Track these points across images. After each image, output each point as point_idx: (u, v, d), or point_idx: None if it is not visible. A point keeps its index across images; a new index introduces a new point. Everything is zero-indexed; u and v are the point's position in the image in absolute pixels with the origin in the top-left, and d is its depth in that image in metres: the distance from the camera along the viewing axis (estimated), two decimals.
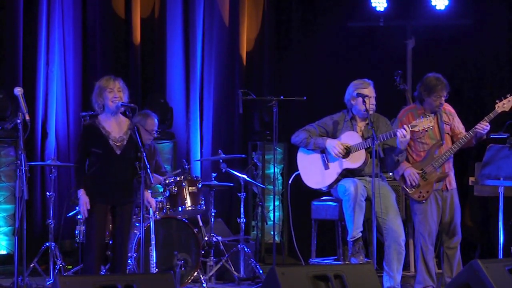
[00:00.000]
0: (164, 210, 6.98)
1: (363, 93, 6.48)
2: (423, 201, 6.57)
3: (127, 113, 5.91)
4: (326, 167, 6.70)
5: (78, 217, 6.98)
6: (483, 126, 6.44)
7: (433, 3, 8.87)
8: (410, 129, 6.37)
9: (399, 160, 6.51)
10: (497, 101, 6.47)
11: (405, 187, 6.61)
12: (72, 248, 7.83)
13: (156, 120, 7.28)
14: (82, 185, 5.87)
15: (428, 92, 6.58)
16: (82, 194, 5.85)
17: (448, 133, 6.69)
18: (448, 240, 6.66)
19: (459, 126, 6.73)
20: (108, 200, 5.90)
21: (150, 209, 6.36)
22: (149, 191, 6.24)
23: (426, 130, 6.47)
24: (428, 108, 6.63)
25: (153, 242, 6.42)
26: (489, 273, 4.67)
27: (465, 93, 8.62)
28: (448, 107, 6.76)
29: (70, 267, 7.24)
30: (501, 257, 6.27)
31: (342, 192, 6.53)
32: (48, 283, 6.91)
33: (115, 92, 5.89)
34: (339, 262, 6.99)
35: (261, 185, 8.20)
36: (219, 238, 7.39)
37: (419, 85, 6.67)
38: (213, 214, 7.32)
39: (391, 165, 6.63)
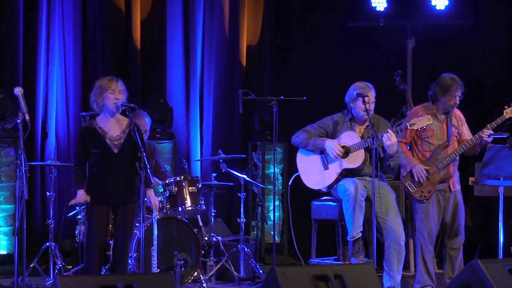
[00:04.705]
0: (164, 210, 6.98)
1: (363, 94, 6.48)
2: (424, 200, 6.57)
3: (127, 112, 5.90)
4: (326, 167, 6.70)
5: (78, 217, 6.99)
6: (487, 134, 6.44)
7: (433, 3, 8.88)
8: (409, 128, 6.37)
9: (391, 165, 6.50)
10: (505, 107, 6.44)
11: (407, 186, 6.61)
12: (72, 248, 7.82)
13: (146, 119, 7.20)
14: (83, 186, 5.84)
15: (443, 91, 6.58)
16: (81, 192, 5.82)
17: (455, 136, 6.68)
18: (451, 241, 6.65)
19: (467, 133, 6.72)
20: (109, 201, 5.88)
21: (153, 208, 6.33)
22: (151, 189, 6.22)
23: (425, 129, 6.46)
24: (441, 107, 6.63)
25: (155, 242, 6.41)
26: (489, 273, 4.66)
27: (465, 94, 8.61)
28: (458, 113, 6.76)
29: (70, 267, 7.24)
30: (501, 257, 6.27)
31: (342, 192, 6.52)
32: (48, 283, 6.90)
33: (116, 93, 5.88)
34: (339, 262, 6.98)
35: (261, 185, 8.19)
36: (219, 238, 7.39)
37: (433, 85, 6.66)
38: (213, 214, 7.32)
39: (386, 169, 6.63)
